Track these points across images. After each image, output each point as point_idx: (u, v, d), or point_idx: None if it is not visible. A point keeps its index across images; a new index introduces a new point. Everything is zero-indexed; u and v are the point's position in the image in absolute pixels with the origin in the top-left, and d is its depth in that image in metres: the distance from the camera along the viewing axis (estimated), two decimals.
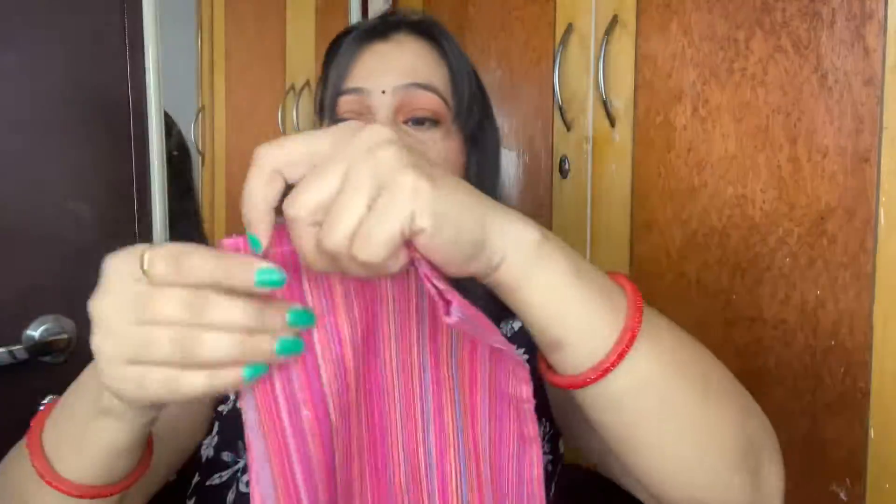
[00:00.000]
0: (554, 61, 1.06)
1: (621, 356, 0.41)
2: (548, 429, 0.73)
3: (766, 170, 0.87)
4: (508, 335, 0.76)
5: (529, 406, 0.43)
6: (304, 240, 0.36)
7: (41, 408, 0.50)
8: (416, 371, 0.43)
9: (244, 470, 0.68)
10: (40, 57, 0.97)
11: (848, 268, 0.81)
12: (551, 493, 0.74)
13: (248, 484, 0.67)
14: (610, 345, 0.41)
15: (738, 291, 0.91)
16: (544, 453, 0.73)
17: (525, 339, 0.75)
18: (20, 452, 0.49)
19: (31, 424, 0.49)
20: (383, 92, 0.68)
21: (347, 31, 0.75)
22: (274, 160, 0.37)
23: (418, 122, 0.69)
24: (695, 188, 0.94)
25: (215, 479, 0.68)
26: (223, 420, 0.71)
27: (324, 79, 0.76)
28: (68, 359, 0.99)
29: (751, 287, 0.89)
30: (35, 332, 0.97)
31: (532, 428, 0.43)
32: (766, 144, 0.87)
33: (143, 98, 1.08)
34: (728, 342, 0.92)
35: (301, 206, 0.35)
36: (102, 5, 1.03)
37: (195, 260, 0.35)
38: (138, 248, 0.36)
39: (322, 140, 0.37)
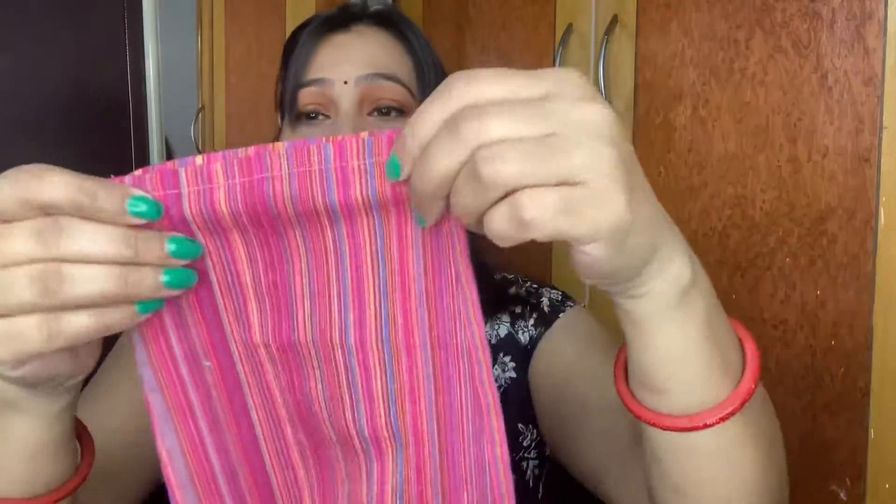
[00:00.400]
0: (554, 61, 1.06)
1: (718, 422, 0.38)
2: (535, 436, 0.72)
3: (766, 170, 0.87)
4: (493, 341, 0.73)
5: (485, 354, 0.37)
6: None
7: None
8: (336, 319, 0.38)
9: None
10: (40, 57, 0.97)
11: (848, 268, 0.81)
12: (539, 496, 0.73)
13: None
14: (709, 407, 0.38)
15: (738, 291, 0.91)
16: (531, 458, 0.73)
17: (511, 346, 0.72)
18: None
19: None
20: (345, 82, 0.66)
21: (306, 24, 0.73)
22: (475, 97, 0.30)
23: (383, 112, 0.67)
24: (695, 188, 0.94)
25: None
26: None
27: (283, 73, 0.73)
28: None
29: (751, 287, 0.89)
30: None
31: (490, 388, 0.37)
32: (766, 144, 0.87)
33: (143, 98, 1.08)
34: None
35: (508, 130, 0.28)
36: (102, 5, 1.04)
37: (52, 177, 0.31)
38: None
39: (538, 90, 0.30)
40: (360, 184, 0.33)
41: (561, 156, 0.28)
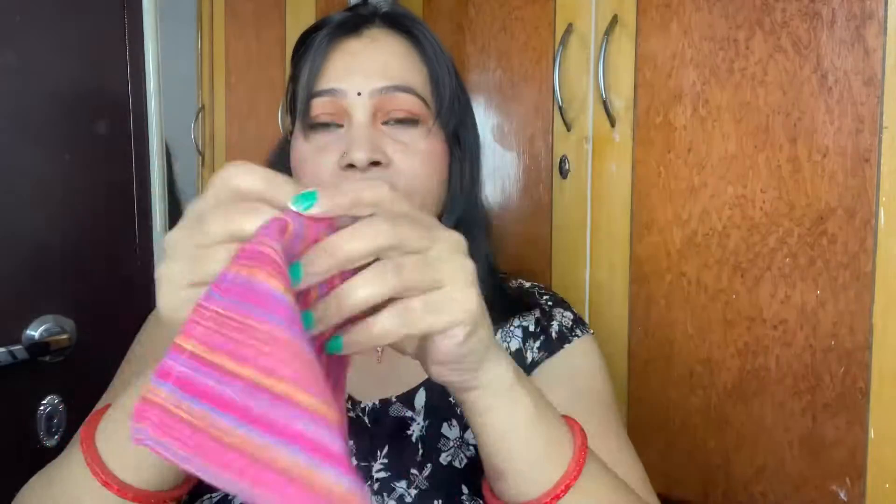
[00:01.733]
0: (554, 61, 1.06)
1: (554, 500, 0.46)
2: None
3: (766, 170, 0.87)
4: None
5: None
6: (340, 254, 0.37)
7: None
8: None
9: None
10: (40, 57, 0.97)
11: (848, 268, 0.81)
12: None
13: None
14: (545, 489, 0.46)
15: (738, 291, 0.91)
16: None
17: (518, 363, 0.71)
18: (71, 450, 0.49)
19: (87, 420, 0.49)
20: (359, 94, 0.65)
21: (317, 27, 0.70)
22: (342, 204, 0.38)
23: (399, 121, 0.66)
24: (695, 188, 0.94)
25: (206, 501, 0.64)
26: None
27: (294, 77, 0.72)
28: (68, 359, 0.99)
29: (751, 287, 0.89)
30: (35, 332, 0.96)
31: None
32: (766, 144, 0.87)
33: (143, 98, 1.08)
34: (728, 342, 0.92)
35: (379, 234, 0.37)
36: (102, 5, 1.03)
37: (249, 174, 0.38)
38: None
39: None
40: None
41: (431, 269, 0.39)
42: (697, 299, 0.94)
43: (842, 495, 0.82)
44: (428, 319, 0.39)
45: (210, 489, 0.66)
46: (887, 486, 0.79)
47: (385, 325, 0.38)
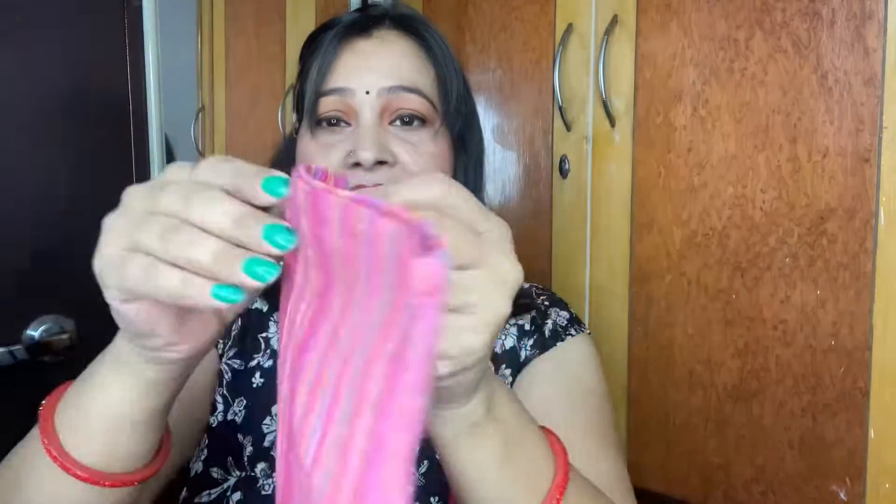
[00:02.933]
0: (554, 61, 1.06)
1: None
2: None
3: (766, 170, 0.87)
4: (498, 350, 0.73)
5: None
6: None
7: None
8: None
9: (234, 488, 0.66)
10: (40, 57, 0.97)
11: (848, 268, 0.81)
12: None
13: (237, 502, 0.65)
14: None
15: (738, 291, 0.91)
16: None
17: (513, 360, 0.73)
18: (30, 435, 0.47)
19: (44, 403, 0.46)
20: (367, 93, 0.65)
21: (327, 27, 0.71)
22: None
23: (405, 121, 0.66)
24: (695, 188, 0.94)
25: (203, 497, 0.66)
26: (212, 434, 0.69)
27: (302, 76, 0.72)
28: (68, 359, 0.99)
29: (751, 287, 0.89)
30: (35, 332, 0.97)
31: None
32: (766, 144, 0.87)
33: (143, 98, 1.08)
34: (728, 342, 0.92)
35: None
36: (102, 5, 1.03)
37: (228, 163, 0.35)
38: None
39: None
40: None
41: (470, 294, 0.34)
42: (697, 299, 0.94)
43: (842, 495, 0.82)
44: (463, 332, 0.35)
45: (208, 485, 0.66)
46: (887, 486, 0.79)
47: None
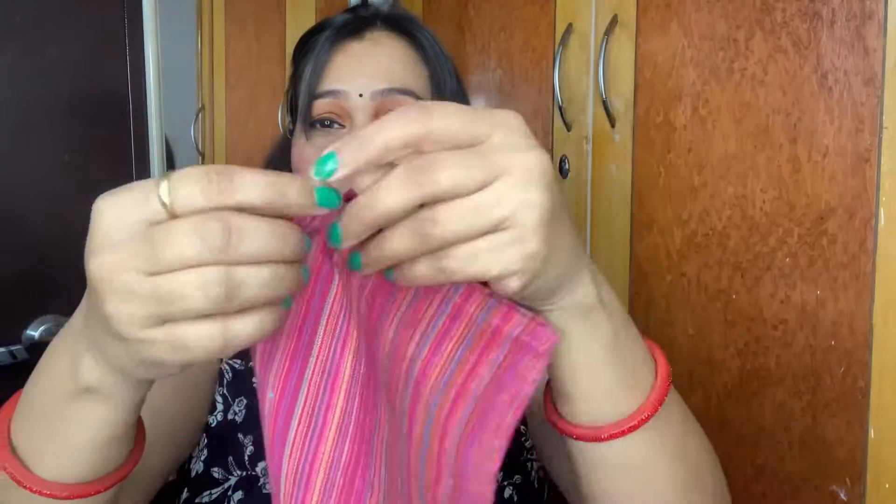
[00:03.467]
0: (554, 61, 1.06)
1: (620, 434, 0.41)
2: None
3: (766, 170, 0.87)
4: None
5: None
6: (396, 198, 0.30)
7: None
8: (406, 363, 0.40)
9: (235, 487, 0.66)
10: (40, 57, 0.97)
11: (848, 268, 0.81)
12: (545, 497, 0.73)
13: (239, 502, 0.65)
14: (617, 418, 0.42)
15: (738, 291, 0.91)
16: (534, 459, 0.72)
17: None
18: None
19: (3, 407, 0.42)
20: (360, 95, 0.65)
21: (319, 29, 0.71)
22: (421, 129, 0.31)
23: None
24: (695, 188, 0.94)
25: (205, 497, 0.66)
26: (211, 434, 0.69)
27: (294, 78, 0.72)
28: None
29: (751, 287, 0.89)
30: (35, 332, 0.97)
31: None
32: (766, 144, 0.87)
33: (143, 98, 1.08)
34: (728, 342, 0.92)
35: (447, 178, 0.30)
36: (102, 5, 1.03)
37: (244, 178, 0.29)
38: (148, 182, 0.30)
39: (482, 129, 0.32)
40: (470, 324, 0.35)
41: (496, 209, 0.31)
42: (697, 299, 0.94)
43: (842, 495, 0.82)
44: (470, 270, 0.32)
45: (209, 485, 0.66)
46: (887, 486, 0.79)
47: (418, 270, 0.32)
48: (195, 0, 1.31)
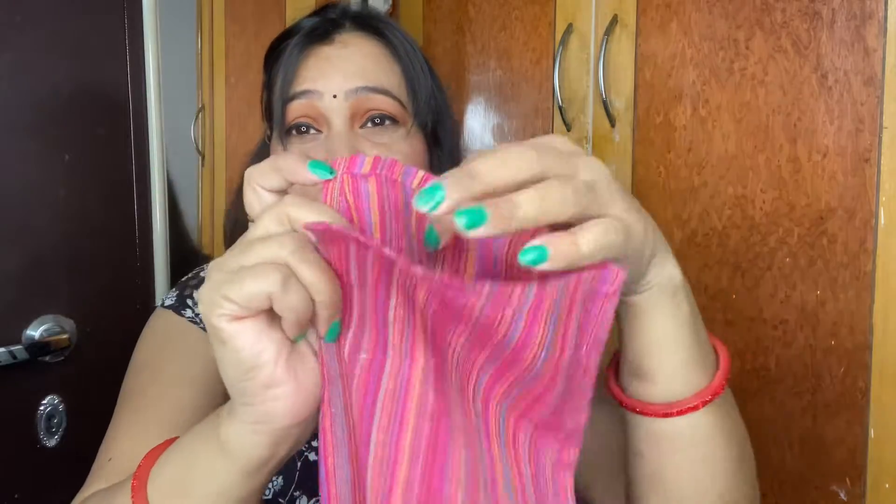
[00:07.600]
0: (554, 61, 1.06)
1: (693, 409, 0.44)
2: None
3: (766, 170, 0.87)
4: None
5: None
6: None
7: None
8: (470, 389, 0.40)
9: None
10: (40, 57, 0.97)
11: (848, 268, 0.81)
12: None
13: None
14: (688, 395, 0.44)
15: (738, 291, 0.91)
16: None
17: None
18: (119, 492, 0.46)
19: (140, 464, 0.46)
20: (334, 96, 0.65)
21: (287, 34, 0.71)
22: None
23: (376, 122, 0.66)
24: (695, 188, 0.94)
25: None
26: (286, 465, 0.68)
27: (267, 85, 0.71)
28: (68, 359, 0.99)
29: (751, 287, 0.89)
30: (35, 332, 0.96)
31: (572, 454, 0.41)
32: (766, 144, 0.87)
33: (143, 98, 1.08)
34: (728, 342, 0.92)
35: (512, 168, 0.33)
36: (102, 5, 1.03)
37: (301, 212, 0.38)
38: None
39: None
40: (545, 325, 0.35)
41: (597, 204, 0.35)
42: (697, 299, 0.94)
43: (842, 495, 0.82)
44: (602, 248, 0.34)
45: None
46: (887, 486, 0.79)
47: (565, 248, 0.33)
48: (195, 0, 1.31)
